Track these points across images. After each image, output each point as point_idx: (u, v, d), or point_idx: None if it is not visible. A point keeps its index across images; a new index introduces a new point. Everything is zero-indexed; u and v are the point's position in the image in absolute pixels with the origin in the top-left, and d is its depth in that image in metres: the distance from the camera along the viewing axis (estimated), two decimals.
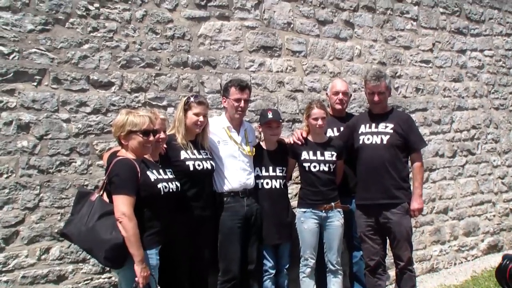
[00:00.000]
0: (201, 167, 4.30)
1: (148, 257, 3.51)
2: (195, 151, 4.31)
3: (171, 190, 3.82)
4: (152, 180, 3.65)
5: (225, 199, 4.53)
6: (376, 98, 4.88)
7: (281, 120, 4.91)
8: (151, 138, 3.64)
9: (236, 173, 4.56)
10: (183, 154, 4.25)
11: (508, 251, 7.52)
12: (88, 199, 3.61)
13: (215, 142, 4.59)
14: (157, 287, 3.68)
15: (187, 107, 4.31)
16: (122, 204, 3.37)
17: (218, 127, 4.65)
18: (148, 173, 3.65)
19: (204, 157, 4.37)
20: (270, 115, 4.74)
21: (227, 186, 4.53)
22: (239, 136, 4.68)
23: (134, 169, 3.49)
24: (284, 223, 4.83)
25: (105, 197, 3.60)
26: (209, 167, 4.37)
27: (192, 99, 4.34)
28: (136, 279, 3.35)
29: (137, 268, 3.35)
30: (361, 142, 4.92)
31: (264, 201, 4.73)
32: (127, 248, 3.35)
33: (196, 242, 4.30)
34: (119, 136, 3.61)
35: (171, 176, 3.95)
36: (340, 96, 5.23)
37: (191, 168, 4.24)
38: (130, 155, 3.58)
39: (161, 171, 3.85)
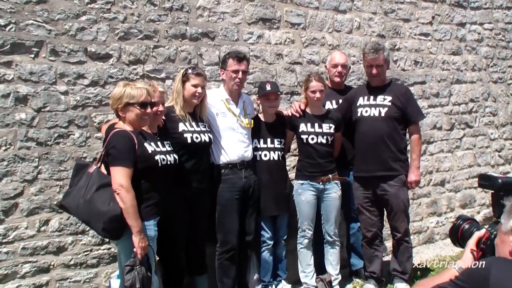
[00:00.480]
0: (199, 139, 4.28)
1: (146, 228, 3.52)
2: (193, 123, 4.30)
3: (168, 162, 3.81)
4: (150, 152, 3.63)
5: (223, 171, 4.53)
6: (374, 71, 4.86)
7: (279, 92, 4.89)
8: (149, 110, 3.62)
9: (234, 145, 4.56)
10: (181, 126, 4.23)
11: None
12: (86, 171, 3.60)
13: (214, 114, 4.57)
14: (155, 257, 3.71)
15: (185, 78, 4.27)
16: (120, 176, 3.37)
17: (217, 99, 4.64)
18: (146, 145, 3.64)
19: (203, 129, 4.35)
20: (268, 87, 4.72)
21: (225, 158, 4.53)
22: (237, 108, 4.66)
23: (132, 141, 3.48)
24: (282, 194, 4.85)
25: (102, 169, 3.59)
26: (207, 139, 4.35)
27: (190, 70, 4.30)
28: (134, 249, 3.37)
29: (135, 239, 3.36)
30: (359, 114, 4.91)
31: (262, 172, 4.74)
32: (125, 220, 3.36)
33: (194, 214, 4.31)
34: (117, 108, 3.60)
35: (169, 148, 3.95)
36: (339, 68, 5.20)
37: (189, 141, 4.22)
38: (128, 127, 3.57)
39: (159, 143, 3.84)
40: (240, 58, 4.60)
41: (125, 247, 3.48)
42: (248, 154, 4.65)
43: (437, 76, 6.99)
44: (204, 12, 5.13)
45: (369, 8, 6.35)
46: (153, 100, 3.70)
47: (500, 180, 2.53)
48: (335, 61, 5.23)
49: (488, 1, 7.66)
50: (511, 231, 1.91)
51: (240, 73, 4.58)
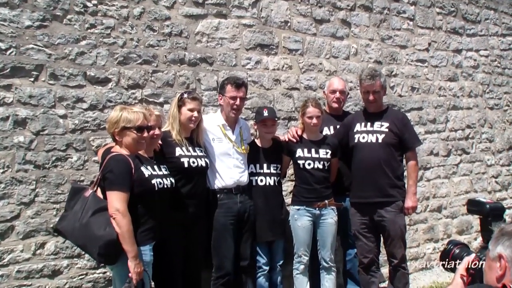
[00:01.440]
0: (195, 164, 4.29)
1: (142, 254, 3.51)
2: (190, 148, 4.31)
3: (165, 186, 3.81)
4: (146, 175, 3.64)
5: (218, 195, 4.52)
6: (371, 97, 4.88)
7: (276, 119, 4.90)
8: (145, 134, 3.64)
9: (230, 170, 4.56)
10: (178, 151, 4.24)
11: None
12: (82, 195, 3.59)
13: (210, 139, 4.57)
14: (151, 283, 3.69)
15: (181, 103, 4.30)
16: (116, 200, 3.37)
17: (213, 124, 4.64)
18: (142, 169, 3.64)
19: (199, 154, 4.36)
20: (265, 113, 4.74)
21: (220, 183, 4.52)
22: (233, 135, 4.66)
23: (128, 165, 3.48)
24: (278, 220, 4.83)
25: (99, 193, 3.59)
26: (204, 164, 4.35)
27: (185, 95, 4.34)
28: (130, 275, 3.35)
29: (131, 264, 3.34)
30: (356, 140, 4.92)
31: (258, 198, 4.73)
32: (120, 244, 3.35)
33: (190, 239, 4.29)
34: (113, 132, 3.60)
35: (165, 172, 3.94)
36: (337, 94, 5.22)
37: (186, 165, 4.23)
38: (124, 151, 3.58)
39: (155, 167, 3.84)
40: (239, 84, 4.60)
41: (120, 272, 3.45)
42: (244, 179, 4.64)
43: (433, 102, 7.03)
44: (203, 38, 5.17)
45: (366, 34, 6.41)
46: (149, 124, 3.72)
47: (488, 206, 2.53)
48: (334, 87, 5.25)
49: (483, 28, 7.75)
50: (498, 257, 1.89)
51: (238, 99, 4.58)
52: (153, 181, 3.67)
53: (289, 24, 5.77)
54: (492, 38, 7.87)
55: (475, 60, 7.59)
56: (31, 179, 4.27)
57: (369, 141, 4.85)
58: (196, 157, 4.32)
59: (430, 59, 7.04)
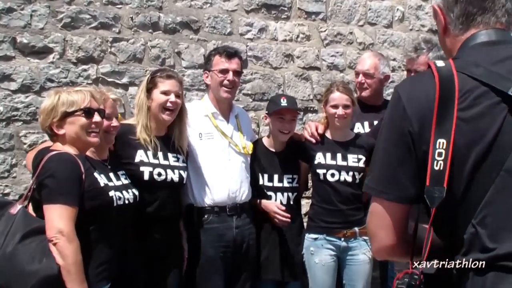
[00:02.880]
0: (162, 177, 4.08)
1: None
2: (159, 153, 4.11)
3: (126, 202, 3.63)
4: (102, 185, 3.46)
5: (205, 216, 4.35)
6: None
7: (298, 111, 4.79)
8: (98, 119, 3.42)
9: (223, 179, 4.39)
10: (139, 156, 4.05)
11: None
12: (7, 212, 3.36)
13: (196, 136, 4.41)
14: None
15: (151, 85, 4.11)
16: (59, 218, 3.10)
17: (199, 114, 4.47)
18: (96, 175, 3.46)
19: (173, 163, 4.17)
20: (283, 103, 4.58)
21: (209, 199, 4.35)
22: (229, 125, 4.51)
23: (77, 168, 3.25)
24: (293, 254, 4.68)
25: (30, 210, 3.38)
26: (177, 179, 4.15)
27: (158, 73, 4.18)
28: None
29: None
30: None
31: (265, 222, 4.59)
32: (63, 283, 3.07)
33: (156, 279, 4.13)
34: (51, 124, 3.38)
35: (125, 182, 3.78)
36: (360, 78, 5.10)
37: (146, 177, 4.04)
38: (70, 150, 3.37)
39: (111, 174, 3.66)
40: (230, 53, 4.48)
41: None
42: (244, 193, 4.48)
43: None
44: None
45: None
46: (102, 108, 3.54)
47: None
48: (357, 68, 5.18)
49: None
50: (434, 11, 2.19)
51: (231, 73, 4.41)
52: (111, 194, 3.49)
53: None
54: None
55: None
56: None
57: None
58: (166, 167, 4.14)
59: None
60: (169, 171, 4.09)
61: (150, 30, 4.99)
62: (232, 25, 5.32)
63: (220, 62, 4.41)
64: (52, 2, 4.56)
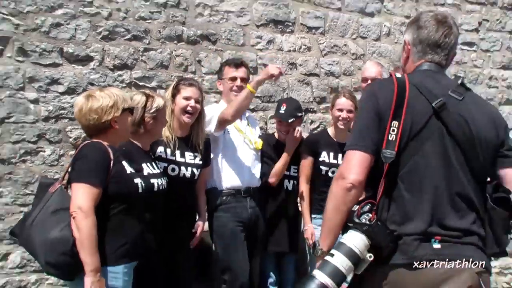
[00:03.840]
0: (175, 172, 4.11)
1: (111, 276, 3.18)
2: (177, 152, 4.14)
3: (156, 189, 3.58)
4: (128, 172, 3.35)
5: (224, 198, 4.40)
6: None
7: (292, 120, 4.64)
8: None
9: (239, 168, 4.47)
10: (159, 151, 4.10)
11: None
12: (48, 190, 3.35)
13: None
14: None
15: (175, 91, 4.17)
16: (81, 195, 3.05)
17: (217, 112, 4.43)
18: (124, 163, 3.35)
19: (189, 161, 4.19)
20: (282, 110, 4.63)
21: (227, 183, 4.41)
22: (242, 123, 4.57)
23: (105, 154, 3.22)
24: (292, 230, 4.73)
25: (69, 190, 3.32)
26: (188, 175, 4.16)
27: (182, 81, 4.24)
28: None
29: (87, 280, 2.98)
30: None
31: (270, 204, 4.67)
32: (77, 253, 3.01)
33: (174, 266, 4.14)
34: (112, 119, 3.29)
35: (159, 171, 3.75)
36: (368, 83, 5.00)
37: (170, 172, 4.11)
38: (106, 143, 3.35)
39: (149, 163, 3.66)
40: (237, 63, 4.58)
41: None
42: (255, 180, 4.55)
43: (482, 94, 6.83)
44: (205, 11, 5.15)
45: (401, 11, 6.32)
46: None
47: None
48: (365, 74, 5.00)
49: None
50: (404, 43, 2.92)
51: (238, 80, 4.51)
52: (136, 181, 3.38)
53: None
54: None
55: None
56: None
57: None
58: (181, 164, 4.16)
59: (480, 41, 6.89)
60: (182, 167, 4.11)
61: (175, 42, 5.00)
62: (245, 37, 5.34)
63: (229, 71, 4.52)
64: (93, 17, 4.59)
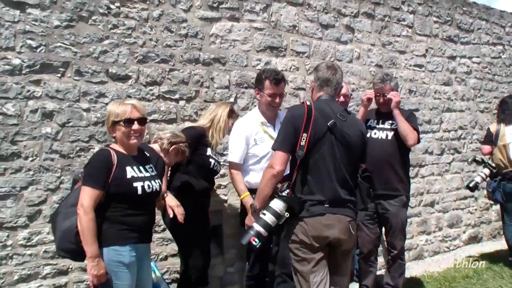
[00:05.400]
0: (217, 168, 4.44)
1: (118, 254, 3.13)
2: (212, 152, 4.42)
3: (153, 190, 3.33)
4: (129, 176, 3.19)
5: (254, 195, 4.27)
6: (381, 99, 4.90)
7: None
8: (136, 127, 3.23)
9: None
10: (209, 151, 4.32)
11: (487, 242, 7.71)
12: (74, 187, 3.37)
13: (251, 142, 4.27)
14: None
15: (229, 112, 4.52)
16: (85, 196, 3.04)
17: (253, 122, 4.32)
18: (127, 168, 3.21)
19: (220, 160, 4.53)
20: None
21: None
22: (275, 132, 4.15)
23: (107, 160, 3.13)
24: None
25: None
26: (220, 170, 4.59)
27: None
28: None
29: (88, 265, 3.00)
30: (368, 135, 4.91)
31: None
32: (80, 242, 3.03)
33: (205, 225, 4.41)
34: (108, 128, 3.33)
35: (152, 173, 3.43)
36: (341, 98, 5.16)
37: (212, 166, 4.34)
38: (118, 148, 3.29)
39: (140, 167, 3.32)
40: (278, 80, 4.19)
41: None
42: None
43: (429, 104, 7.08)
44: (217, 39, 5.20)
45: (368, 40, 6.44)
46: (143, 116, 3.33)
47: None
48: (340, 92, 5.19)
49: (476, 37, 7.79)
50: (310, 82, 3.86)
51: (278, 97, 4.23)
52: (135, 184, 3.20)
53: (297, 28, 5.79)
54: (483, 46, 7.91)
55: (468, 66, 7.64)
56: (57, 167, 4.31)
57: (379, 137, 4.86)
58: (219, 162, 4.50)
59: (427, 64, 7.07)
60: (218, 165, 4.45)
61: (193, 63, 5.00)
62: (247, 60, 5.36)
63: (269, 88, 4.17)
64: (131, 46, 4.62)
